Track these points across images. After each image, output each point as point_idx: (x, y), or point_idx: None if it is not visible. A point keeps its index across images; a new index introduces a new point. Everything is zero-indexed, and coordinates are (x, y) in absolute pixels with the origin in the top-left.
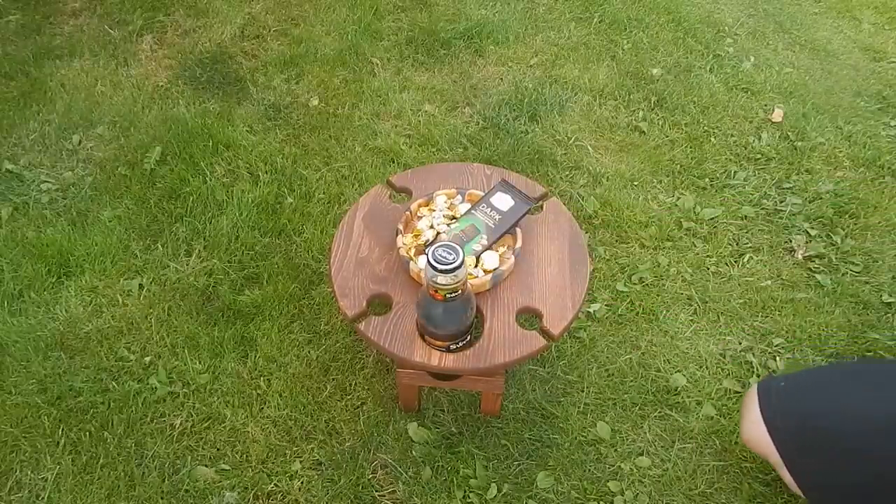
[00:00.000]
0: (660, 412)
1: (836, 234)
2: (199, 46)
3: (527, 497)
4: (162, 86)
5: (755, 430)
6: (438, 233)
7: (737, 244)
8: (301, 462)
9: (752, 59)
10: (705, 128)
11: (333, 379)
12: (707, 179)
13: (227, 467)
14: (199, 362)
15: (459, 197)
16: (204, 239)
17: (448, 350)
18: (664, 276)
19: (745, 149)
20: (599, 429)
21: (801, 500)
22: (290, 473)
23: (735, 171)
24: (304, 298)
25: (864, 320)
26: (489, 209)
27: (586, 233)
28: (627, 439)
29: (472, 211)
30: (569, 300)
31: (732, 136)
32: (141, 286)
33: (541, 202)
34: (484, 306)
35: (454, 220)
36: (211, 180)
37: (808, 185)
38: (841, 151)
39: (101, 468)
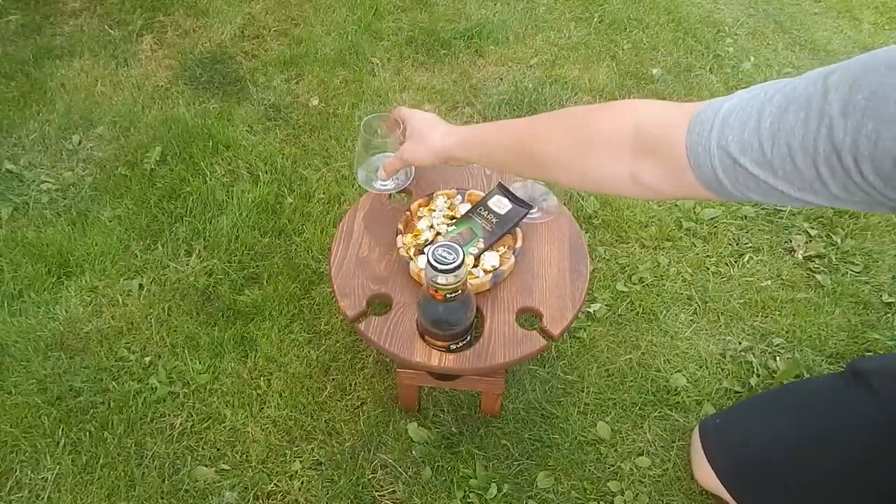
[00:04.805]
0: (660, 412)
1: (836, 234)
2: (199, 46)
3: (527, 497)
4: (162, 86)
5: (703, 472)
6: (438, 233)
7: (737, 244)
8: (301, 462)
9: (752, 59)
10: None
11: (333, 379)
12: None
13: (227, 467)
14: (199, 362)
15: (459, 197)
16: (204, 239)
17: (448, 350)
18: (664, 276)
19: None
20: (599, 429)
21: None
22: (290, 473)
23: None
24: (304, 298)
25: (864, 320)
26: (486, 212)
27: (586, 233)
28: (627, 439)
29: (470, 214)
30: (569, 300)
31: None
32: (141, 286)
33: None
34: (484, 306)
35: (454, 221)
36: (211, 180)
37: None
38: None
39: (101, 468)
